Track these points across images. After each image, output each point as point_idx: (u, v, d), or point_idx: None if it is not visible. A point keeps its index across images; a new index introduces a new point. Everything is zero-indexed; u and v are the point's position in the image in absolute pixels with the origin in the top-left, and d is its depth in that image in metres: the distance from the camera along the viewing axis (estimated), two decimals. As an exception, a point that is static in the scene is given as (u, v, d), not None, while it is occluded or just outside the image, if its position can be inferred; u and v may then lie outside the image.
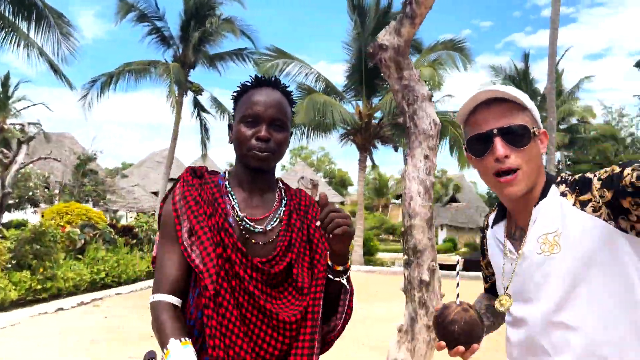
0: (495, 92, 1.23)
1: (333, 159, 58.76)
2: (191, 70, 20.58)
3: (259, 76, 1.50)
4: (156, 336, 1.32)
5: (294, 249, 1.45)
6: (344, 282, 1.46)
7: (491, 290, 1.55)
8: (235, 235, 1.40)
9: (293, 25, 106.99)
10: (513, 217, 1.33)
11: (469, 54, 18.29)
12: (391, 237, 38.73)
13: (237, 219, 1.42)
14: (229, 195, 1.46)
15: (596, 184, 1.16)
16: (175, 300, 1.36)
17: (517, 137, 1.21)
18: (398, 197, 48.84)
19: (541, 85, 29.23)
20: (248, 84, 1.49)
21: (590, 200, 1.17)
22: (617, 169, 1.11)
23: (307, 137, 19.75)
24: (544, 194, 1.25)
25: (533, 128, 1.23)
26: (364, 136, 19.27)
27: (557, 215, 1.21)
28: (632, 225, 1.11)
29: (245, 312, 1.36)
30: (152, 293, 1.38)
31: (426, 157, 4.76)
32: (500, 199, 1.32)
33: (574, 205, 1.19)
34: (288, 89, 1.52)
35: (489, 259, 1.47)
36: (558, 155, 27.80)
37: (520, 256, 1.27)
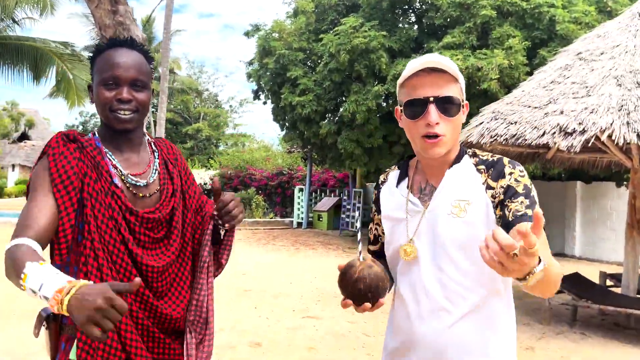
0: (437, 62, 1.35)
1: None
2: None
3: (115, 38, 1.54)
4: (12, 276, 1.16)
5: (177, 194, 1.57)
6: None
7: (380, 253, 1.60)
8: (123, 195, 1.45)
9: None
10: (425, 175, 1.48)
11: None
12: None
13: (122, 177, 1.48)
14: (108, 156, 1.49)
15: (502, 183, 1.37)
16: (38, 248, 1.23)
17: (449, 106, 1.36)
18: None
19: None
20: (103, 45, 1.52)
21: (494, 188, 1.38)
22: (513, 191, 1.35)
23: None
24: (457, 159, 1.44)
25: (462, 101, 1.40)
26: None
27: (470, 186, 1.40)
28: (502, 215, 1.35)
29: (121, 269, 1.42)
30: (11, 239, 1.24)
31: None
32: (422, 156, 1.46)
33: (483, 184, 1.39)
34: (145, 47, 1.57)
35: (388, 213, 1.53)
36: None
37: (426, 210, 1.42)
